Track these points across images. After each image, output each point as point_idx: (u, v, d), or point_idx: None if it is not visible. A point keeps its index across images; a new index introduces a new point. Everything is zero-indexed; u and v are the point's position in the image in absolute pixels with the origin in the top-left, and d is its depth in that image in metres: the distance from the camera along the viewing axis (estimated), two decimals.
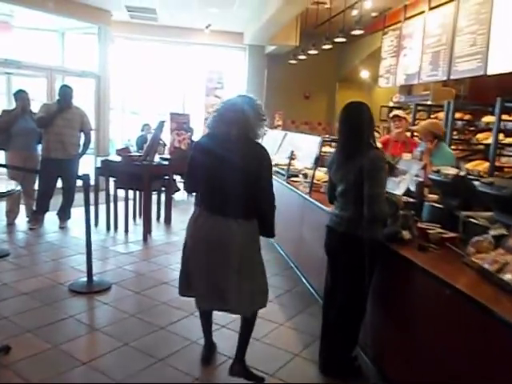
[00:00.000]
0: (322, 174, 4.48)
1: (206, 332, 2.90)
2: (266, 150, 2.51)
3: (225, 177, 2.44)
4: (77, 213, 6.31)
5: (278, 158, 6.05)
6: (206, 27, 9.09)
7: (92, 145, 8.47)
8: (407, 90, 8.20)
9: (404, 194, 3.13)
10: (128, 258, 4.76)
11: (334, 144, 5.01)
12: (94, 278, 3.99)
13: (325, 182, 4.37)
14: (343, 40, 6.24)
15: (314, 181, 4.33)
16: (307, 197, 4.20)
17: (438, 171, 3.11)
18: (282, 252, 5.08)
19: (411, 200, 3.19)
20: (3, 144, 5.52)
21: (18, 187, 2.71)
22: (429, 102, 6.79)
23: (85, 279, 3.92)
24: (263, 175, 2.48)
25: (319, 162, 4.34)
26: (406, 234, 2.61)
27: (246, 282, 2.48)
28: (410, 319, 2.43)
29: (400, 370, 2.51)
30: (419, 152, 3.99)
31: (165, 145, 7.17)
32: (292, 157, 5.13)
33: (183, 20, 9.01)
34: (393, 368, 2.59)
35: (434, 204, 3.05)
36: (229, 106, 2.52)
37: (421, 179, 3.30)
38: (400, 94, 7.89)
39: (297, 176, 5.08)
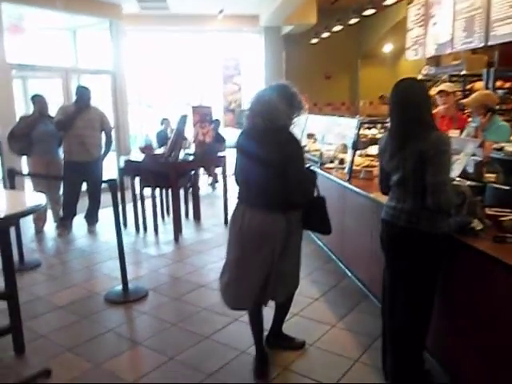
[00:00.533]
0: (360, 159, 4.18)
1: (256, 339, 2.68)
2: (293, 139, 2.46)
3: (253, 170, 2.49)
4: (104, 214, 6.16)
5: (308, 143, 5.77)
6: (219, 12, 8.76)
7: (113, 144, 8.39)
8: (435, 61, 7.76)
9: (459, 176, 2.84)
10: (161, 260, 4.58)
11: (372, 126, 4.72)
12: (130, 285, 3.81)
13: (365, 167, 4.09)
14: (372, 11, 5.73)
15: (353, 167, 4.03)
16: (347, 184, 3.91)
17: (500, 149, 2.79)
18: (320, 243, 4.82)
19: (470, 183, 2.88)
20: (24, 150, 5.38)
21: (44, 201, 2.53)
22: (463, 72, 6.38)
23: (120, 287, 3.75)
24: (289, 165, 2.40)
25: (357, 146, 4.03)
26: (477, 224, 2.31)
27: (285, 267, 2.55)
28: (488, 320, 2.15)
29: (477, 376, 2.24)
30: (473, 128, 3.65)
31: (185, 138, 6.90)
32: (325, 141, 4.82)
33: (195, 6, 8.69)
34: (468, 374, 2.32)
35: (499, 186, 2.73)
36: (256, 98, 2.49)
37: (479, 158, 2.98)
38: (429, 65, 7.46)
39: (332, 162, 4.78)
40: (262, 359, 2.67)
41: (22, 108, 8.53)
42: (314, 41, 7.88)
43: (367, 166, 4.07)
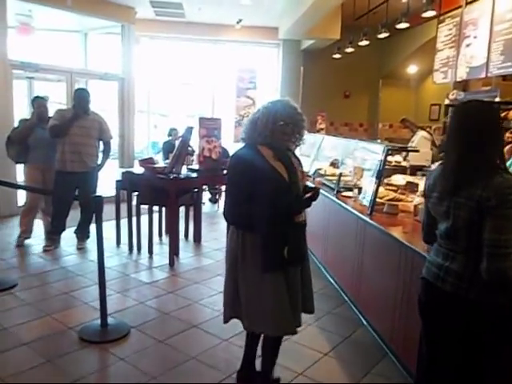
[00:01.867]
0: (384, 191, 3.65)
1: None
2: (233, 156, 2.32)
3: None
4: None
5: (324, 166, 5.27)
6: (237, 22, 8.37)
7: (116, 153, 7.97)
8: (463, 86, 7.24)
9: None
10: (151, 289, 4.06)
11: (404, 153, 4.21)
12: (110, 319, 3.31)
13: (389, 200, 3.56)
14: (405, 25, 5.19)
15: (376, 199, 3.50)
16: (368, 219, 3.38)
17: None
18: (331, 280, 4.28)
19: None
20: (21, 157, 4.96)
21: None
22: (497, 99, 5.85)
23: (99, 322, 3.24)
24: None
25: (382, 175, 3.51)
26: None
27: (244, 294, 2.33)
28: None
29: None
30: None
31: (193, 151, 6.42)
32: (344, 167, 4.32)
33: (212, 15, 8.31)
34: None
35: None
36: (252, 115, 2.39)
37: None
38: (457, 90, 6.94)
39: (350, 190, 4.26)
40: None
41: (27, 112, 8.21)
42: (337, 56, 7.40)
43: (392, 200, 3.54)
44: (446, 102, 7.00)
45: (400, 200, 3.54)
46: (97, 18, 7.45)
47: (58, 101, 7.56)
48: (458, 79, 6.23)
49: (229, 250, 2.39)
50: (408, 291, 2.72)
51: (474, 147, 1.72)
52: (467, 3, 5.99)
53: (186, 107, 11.83)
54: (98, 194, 5.40)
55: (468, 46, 5.92)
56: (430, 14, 5.25)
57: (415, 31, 7.65)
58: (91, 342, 3.06)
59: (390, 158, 4.66)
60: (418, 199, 3.71)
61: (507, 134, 5.48)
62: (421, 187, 3.78)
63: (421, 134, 7.11)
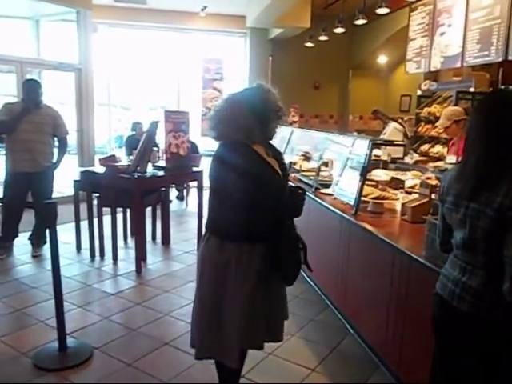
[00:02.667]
0: (368, 189, 3.40)
1: None
2: (237, 153, 1.93)
3: None
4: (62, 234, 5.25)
5: (297, 161, 5.00)
6: (202, 10, 7.96)
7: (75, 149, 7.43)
8: (433, 76, 7.13)
9: None
10: (117, 301, 3.68)
11: (389, 148, 3.97)
12: (70, 340, 2.94)
13: (374, 198, 3.31)
14: (363, 22, 4.98)
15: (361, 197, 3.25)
16: (353, 219, 3.12)
17: None
18: (311, 282, 4.02)
19: None
20: None
21: None
22: (471, 89, 5.73)
23: (57, 344, 2.85)
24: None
25: (366, 173, 3.26)
26: None
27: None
28: None
29: None
30: None
31: (155, 146, 5.92)
32: (325, 163, 4.06)
33: (175, 2, 7.87)
34: None
35: None
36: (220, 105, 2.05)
37: None
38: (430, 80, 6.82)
39: (328, 187, 4.00)
40: None
41: None
42: (309, 44, 7.11)
43: (377, 198, 3.30)
44: (419, 92, 6.86)
45: (386, 198, 3.30)
46: (49, 3, 6.85)
47: (7, 93, 6.96)
48: (432, 69, 6.09)
49: (208, 271, 2.01)
50: (402, 298, 2.49)
51: (499, 146, 1.46)
52: None
53: (149, 100, 11.32)
54: (54, 193, 5.00)
55: (442, 34, 5.77)
56: (383, 10, 4.97)
57: (386, 20, 7.45)
58: (48, 370, 2.68)
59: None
60: (402, 196, 3.51)
61: None
62: (407, 183, 3.57)
63: (392, 125, 6.95)
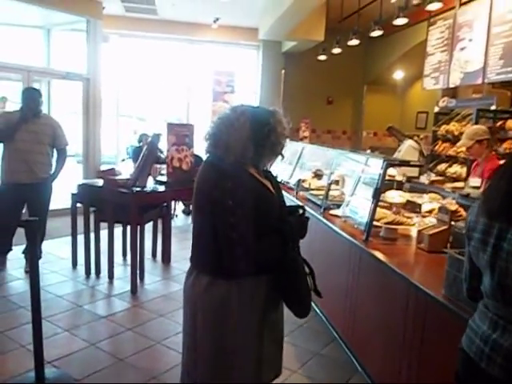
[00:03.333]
0: (380, 212, 3.12)
1: None
2: (229, 178, 1.64)
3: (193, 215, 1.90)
4: (52, 248, 5.06)
5: (307, 178, 4.75)
6: (214, 21, 7.82)
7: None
8: (452, 93, 6.85)
9: None
10: (107, 325, 3.43)
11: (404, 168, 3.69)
12: (50, 370, 2.69)
13: (387, 223, 3.03)
14: (400, 22, 4.63)
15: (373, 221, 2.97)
16: (363, 246, 2.84)
17: None
18: (317, 310, 3.72)
19: None
20: None
21: None
22: (493, 108, 5.43)
23: (33, 374, 2.60)
24: (216, 214, 1.66)
25: (380, 195, 2.99)
26: None
27: None
28: None
29: None
30: None
31: (161, 161, 5.69)
32: (333, 181, 3.80)
33: (187, 13, 7.75)
34: None
35: None
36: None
37: None
38: (445, 97, 6.54)
39: (339, 207, 3.72)
40: None
41: None
42: (322, 57, 6.89)
43: (391, 223, 3.01)
44: (436, 109, 6.58)
45: (401, 223, 3.01)
46: (60, 12, 6.78)
47: (17, 102, 6.88)
48: (451, 85, 5.81)
49: (202, 316, 1.72)
50: (418, 340, 2.19)
51: None
52: (461, 4, 5.59)
53: (164, 111, 11.22)
54: (56, 204, 4.82)
55: (462, 49, 5.50)
56: (401, 21, 4.71)
57: (402, 34, 7.25)
58: None
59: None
60: (418, 220, 3.22)
61: (504, 145, 5.09)
62: (424, 207, 3.28)
63: (408, 142, 6.68)
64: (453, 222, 2.70)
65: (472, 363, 1.33)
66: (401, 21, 4.37)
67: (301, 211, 1.85)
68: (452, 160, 6.08)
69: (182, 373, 1.89)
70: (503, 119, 5.35)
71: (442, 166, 6.12)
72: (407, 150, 6.55)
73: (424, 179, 5.78)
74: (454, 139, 6.02)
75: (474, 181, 3.79)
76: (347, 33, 6.16)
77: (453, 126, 6.01)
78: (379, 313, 2.66)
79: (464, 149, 5.50)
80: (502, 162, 3.74)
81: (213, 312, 1.70)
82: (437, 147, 6.40)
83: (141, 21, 8.04)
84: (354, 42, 5.66)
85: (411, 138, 6.82)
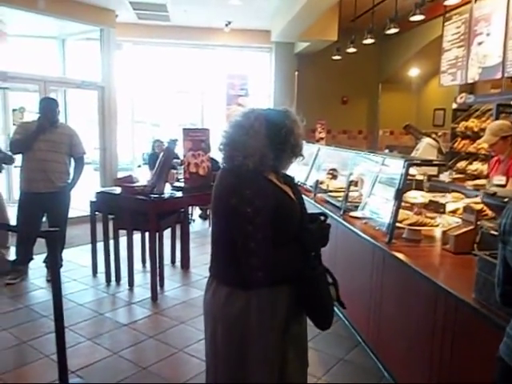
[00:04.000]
0: (403, 213, 3.04)
1: None
2: (245, 185, 1.58)
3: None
4: (72, 256, 5.09)
5: (324, 179, 4.70)
6: (226, 25, 7.82)
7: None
8: (469, 88, 6.71)
9: None
10: (129, 333, 3.42)
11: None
12: (75, 379, 2.69)
13: (410, 224, 2.96)
14: (416, 18, 4.53)
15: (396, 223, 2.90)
16: (387, 249, 2.78)
17: None
18: (340, 314, 3.66)
19: None
20: None
21: None
22: None
23: None
24: (233, 224, 1.60)
25: (402, 196, 2.92)
26: None
27: None
28: None
29: None
30: None
31: (179, 165, 5.69)
32: (353, 181, 3.74)
33: (199, 18, 7.76)
34: None
35: None
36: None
37: None
38: (463, 93, 6.41)
39: (355, 208, 3.66)
40: None
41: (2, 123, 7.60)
42: (337, 57, 6.82)
43: (414, 224, 2.94)
44: (454, 106, 6.45)
45: (424, 224, 2.94)
46: (73, 22, 6.86)
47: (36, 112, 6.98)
48: (470, 81, 5.69)
49: (222, 329, 1.68)
50: (447, 345, 2.12)
51: None
52: None
53: (178, 116, 11.27)
54: (74, 212, 4.85)
55: (480, 44, 5.39)
56: (418, 17, 4.61)
57: (417, 30, 7.14)
58: None
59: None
60: (441, 221, 3.14)
61: None
62: (448, 207, 3.20)
63: (426, 140, 6.55)
64: (478, 222, 2.63)
65: (510, 369, 1.27)
66: (417, 17, 4.28)
67: (322, 218, 1.78)
68: (472, 157, 5.95)
69: (207, 379, 1.86)
70: None
71: (462, 164, 5.99)
72: (425, 148, 6.43)
73: (444, 177, 5.68)
74: (473, 136, 5.90)
75: (498, 179, 3.67)
76: (361, 31, 6.09)
77: (472, 123, 5.89)
78: (405, 317, 2.60)
79: (486, 145, 5.42)
80: None
81: (232, 324, 1.65)
82: (456, 144, 6.27)
83: (153, 27, 8.07)
84: (369, 40, 5.58)
85: (429, 135, 6.69)
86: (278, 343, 1.68)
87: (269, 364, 1.68)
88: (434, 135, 6.99)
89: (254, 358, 1.65)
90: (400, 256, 2.59)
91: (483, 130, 5.66)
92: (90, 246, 4.64)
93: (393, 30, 4.85)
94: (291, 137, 1.67)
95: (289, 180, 1.81)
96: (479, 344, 1.90)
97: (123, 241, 4.36)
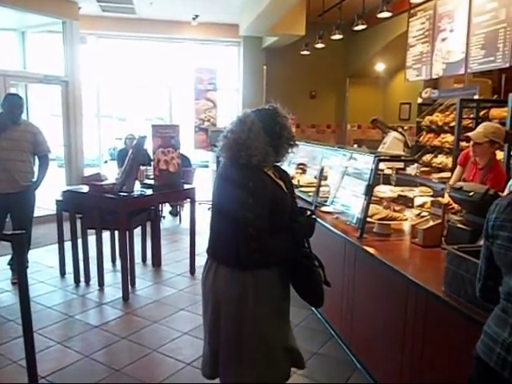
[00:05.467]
0: (374, 208, 3.10)
1: None
2: (250, 176, 1.82)
3: (214, 216, 1.99)
4: (38, 257, 4.95)
5: (294, 174, 4.73)
6: (193, 19, 7.71)
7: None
8: (433, 83, 6.88)
9: None
10: (100, 335, 3.36)
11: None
12: None
13: (380, 219, 3.01)
14: (362, 27, 4.65)
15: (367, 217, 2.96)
16: (358, 243, 2.83)
17: None
18: (313, 308, 3.70)
19: None
20: None
21: None
22: (476, 97, 5.47)
23: None
24: (237, 212, 1.81)
25: (372, 191, 2.97)
26: None
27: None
28: None
29: None
30: None
31: (147, 163, 5.54)
32: (323, 176, 3.78)
33: (166, 11, 7.62)
34: None
35: None
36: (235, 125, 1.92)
37: None
38: (428, 88, 6.57)
39: (325, 203, 3.71)
40: None
41: None
42: (306, 52, 6.85)
43: (384, 218, 3.00)
44: (419, 100, 6.61)
45: (394, 219, 3.01)
46: (34, 14, 6.60)
47: None
48: (434, 76, 5.83)
49: (225, 307, 1.87)
50: (419, 335, 2.19)
51: None
52: None
53: (145, 110, 11.08)
54: (38, 211, 4.69)
55: (444, 40, 5.53)
56: (386, 14, 4.69)
57: (383, 26, 7.24)
58: None
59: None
60: (408, 214, 3.22)
61: None
62: (416, 201, 3.28)
63: (393, 134, 6.65)
64: (446, 216, 2.71)
65: (492, 373, 1.28)
66: (384, 14, 4.34)
67: (309, 212, 2.03)
68: (437, 150, 6.12)
69: (204, 365, 2.02)
70: (486, 108, 5.39)
71: (427, 157, 6.15)
72: (392, 141, 6.54)
73: (411, 170, 5.82)
74: (438, 129, 6.07)
75: (480, 187, 3.57)
76: (328, 26, 6.14)
77: (436, 117, 6.05)
78: (378, 310, 2.66)
79: (451, 139, 5.57)
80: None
81: (234, 300, 1.85)
82: (421, 138, 6.43)
83: (118, 20, 7.88)
84: (337, 36, 5.64)
85: (395, 129, 6.82)
86: (275, 318, 1.93)
87: (275, 338, 1.93)
88: (400, 129, 7.11)
89: (258, 333, 1.87)
90: (372, 251, 2.65)
91: (447, 123, 5.84)
92: (56, 246, 4.52)
93: (360, 27, 4.91)
94: (285, 131, 1.89)
95: (284, 175, 2.02)
96: (449, 334, 1.97)
97: (91, 240, 4.26)
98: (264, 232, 1.77)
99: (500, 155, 4.21)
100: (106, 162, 10.51)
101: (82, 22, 7.12)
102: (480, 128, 3.25)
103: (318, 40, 6.16)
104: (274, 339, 1.93)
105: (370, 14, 5.39)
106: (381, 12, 4.29)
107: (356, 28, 4.96)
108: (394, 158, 3.39)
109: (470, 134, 3.25)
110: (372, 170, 2.91)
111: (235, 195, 1.80)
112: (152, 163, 5.34)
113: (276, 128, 1.88)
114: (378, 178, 4.10)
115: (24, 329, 2.48)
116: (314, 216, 2.05)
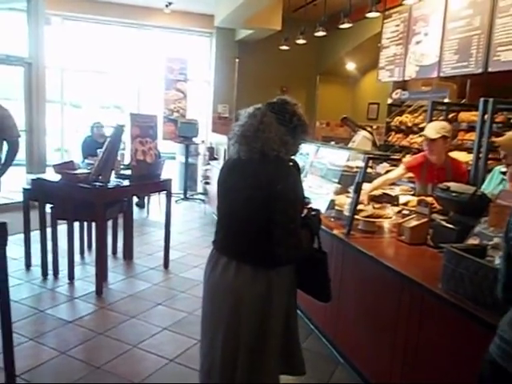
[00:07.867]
0: (362, 206, 3.14)
1: None
2: (285, 172, 1.82)
3: (234, 210, 1.91)
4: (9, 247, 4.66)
5: None
6: (167, 6, 7.51)
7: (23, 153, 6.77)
8: (401, 85, 7.07)
9: None
10: (75, 330, 3.21)
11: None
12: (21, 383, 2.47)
13: (367, 216, 3.06)
14: (348, 25, 4.74)
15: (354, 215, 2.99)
16: (346, 240, 2.86)
17: None
18: None
19: None
20: None
21: None
22: (446, 100, 5.66)
23: None
24: (275, 208, 1.76)
25: (360, 189, 3.00)
26: None
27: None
28: None
29: None
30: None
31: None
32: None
33: None
34: None
35: None
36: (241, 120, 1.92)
37: None
38: (398, 89, 6.73)
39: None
40: None
41: None
42: (284, 47, 6.82)
43: (370, 216, 3.05)
44: (389, 101, 6.77)
45: (379, 216, 3.06)
46: None
47: None
48: (407, 78, 5.96)
49: (256, 305, 1.83)
50: (414, 332, 2.23)
51: None
52: None
53: (103, 98, 10.65)
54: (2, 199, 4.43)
55: (418, 43, 5.65)
56: (374, 14, 4.79)
57: (357, 26, 7.30)
58: None
59: (350, 164, 4.19)
60: (389, 211, 3.29)
61: (459, 137, 5.31)
62: (401, 199, 3.35)
63: (362, 133, 6.81)
64: (432, 215, 2.79)
65: (506, 375, 1.27)
66: (373, 14, 4.41)
67: (315, 208, 2.06)
68: (405, 150, 6.29)
69: (206, 372, 1.96)
70: (455, 111, 5.60)
71: (395, 156, 6.31)
72: (361, 140, 6.68)
73: (380, 169, 5.96)
74: (407, 130, 6.25)
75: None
76: (302, 23, 6.17)
77: (406, 118, 6.22)
78: (367, 307, 2.69)
79: (419, 140, 5.74)
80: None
81: (259, 299, 1.82)
82: (390, 138, 6.60)
83: (87, 2, 7.54)
84: (301, 41, 5.72)
85: (364, 128, 6.97)
86: (293, 313, 2.02)
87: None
88: (369, 128, 7.28)
89: (274, 330, 1.87)
90: (360, 247, 2.68)
91: (416, 124, 6.02)
92: (20, 236, 4.28)
93: (320, 33, 4.97)
94: (295, 117, 1.87)
95: (298, 167, 1.99)
96: (445, 331, 2.02)
97: (59, 231, 4.07)
98: (299, 227, 1.81)
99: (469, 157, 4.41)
100: (66, 151, 10.09)
101: (48, 1, 6.76)
102: (429, 127, 3.48)
103: (300, 35, 6.17)
104: (297, 334, 2.05)
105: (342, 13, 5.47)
106: (369, 12, 4.34)
107: (316, 34, 5.04)
108: (382, 156, 3.44)
109: (423, 133, 3.47)
110: (362, 168, 2.94)
111: (275, 191, 1.72)
112: (123, 152, 5.21)
113: (286, 116, 1.86)
114: (353, 175, 4.19)
115: (2, 326, 2.34)
116: (319, 211, 2.07)
